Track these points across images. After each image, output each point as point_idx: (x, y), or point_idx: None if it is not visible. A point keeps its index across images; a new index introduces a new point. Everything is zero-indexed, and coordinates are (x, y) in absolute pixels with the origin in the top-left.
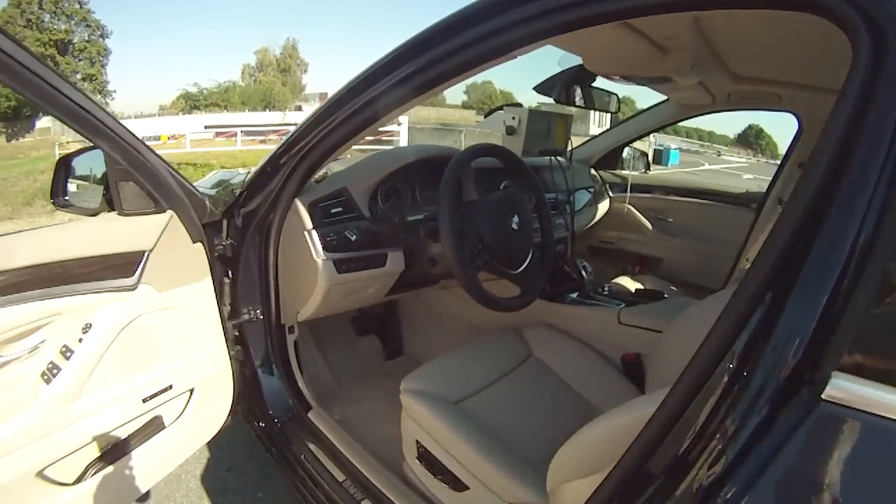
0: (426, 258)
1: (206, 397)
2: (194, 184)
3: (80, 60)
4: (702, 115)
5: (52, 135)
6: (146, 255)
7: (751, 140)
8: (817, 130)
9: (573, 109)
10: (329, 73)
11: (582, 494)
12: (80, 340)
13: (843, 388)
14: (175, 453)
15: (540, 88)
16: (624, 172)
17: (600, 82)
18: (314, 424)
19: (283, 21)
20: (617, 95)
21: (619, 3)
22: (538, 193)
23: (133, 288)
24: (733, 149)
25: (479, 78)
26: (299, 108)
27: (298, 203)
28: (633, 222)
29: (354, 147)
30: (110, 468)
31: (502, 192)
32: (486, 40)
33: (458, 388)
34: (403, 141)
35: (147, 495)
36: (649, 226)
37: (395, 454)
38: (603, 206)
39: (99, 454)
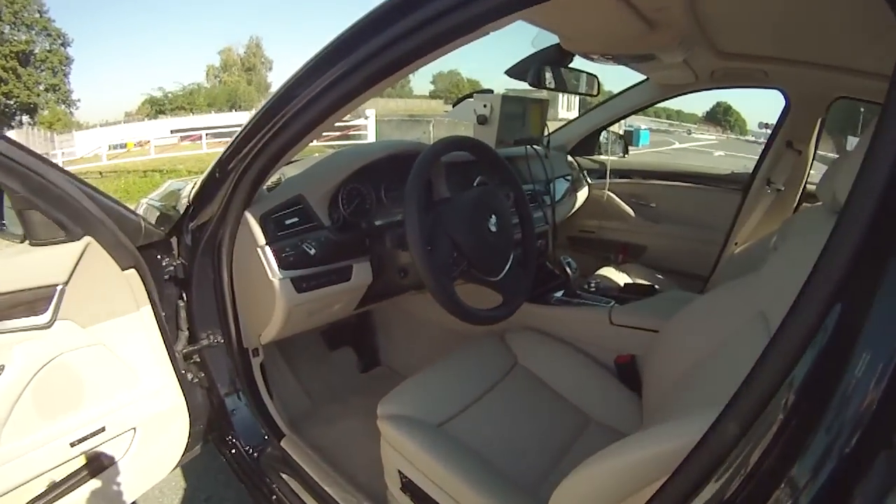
0: (396, 268)
1: (152, 436)
2: (149, 196)
3: (42, 71)
4: (683, 94)
5: None
6: (59, 289)
7: (719, 117)
8: (806, 106)
9: (546, 93)
10: (295, 68)
11: None
12: None
13: None
14: (123, 495)
15: (512, 72)
16: (602, 158)
17: (577, 63)
18: (288, 454)
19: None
20: (597, 77)
21: None
22: (517, 188)
23: (47, 326)
24: (702, 126)
25: (444, 66)
26: None
27: (249, 216)
28: (614, 209)
29: (321, 144)
30: None
31: (477, 189)
32: (452, 13)
33: (439, 409)
34: (371, 134)
35: None
36: (631, 212)
37: (377, 482)
38: (582, 195)
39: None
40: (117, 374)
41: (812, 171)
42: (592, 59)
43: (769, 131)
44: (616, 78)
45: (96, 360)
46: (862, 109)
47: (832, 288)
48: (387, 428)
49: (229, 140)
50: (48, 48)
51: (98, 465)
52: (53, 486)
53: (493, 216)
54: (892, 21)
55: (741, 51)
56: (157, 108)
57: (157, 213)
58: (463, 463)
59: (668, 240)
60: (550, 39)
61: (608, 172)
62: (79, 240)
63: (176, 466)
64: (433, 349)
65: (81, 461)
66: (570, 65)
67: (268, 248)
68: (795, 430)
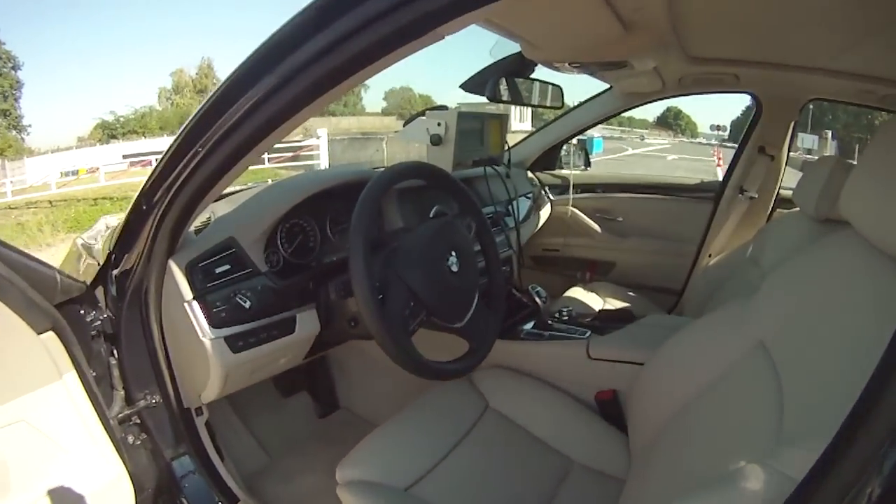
0: (345, 317)
1: None
2: (84, 235)
3: None
4: (649, 102)
5: None
6: None
7: (670, 121)
8: (778, 109)
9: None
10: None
11: None
12: None
13: None
14: None
15: (468, 85)
16: (563, 172)
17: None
18: None
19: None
20: (561, 88)
21: None
22: (478, 217)
23: None
24: (654, 131)
25: (396, 82)
26: None
27: (173, 265)
28: (579, 225)
29: (273, 166)
30: None
31: (434, 223)
32: (401, 10)
33: (405, 469)
34: (324, 155)
35: None
36: (597, 228)
37: None
38: (544, 212)
39: None
40: (45, 453)
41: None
42: (556, 69)
43: (721, 133)
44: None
45: (18, 441)
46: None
47: None
48: (349, 496)
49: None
50: None
51: None
52: None
53: (454, 253)
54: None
55: (713, 55)
56: (108, 132)
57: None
58: None
59: (637, 255)
60: (510, 49)
61: (571, 187)
62: None
63: None
64: (394, 389)
65: None
66: (532, 76)
67: (195, 304)
68: None
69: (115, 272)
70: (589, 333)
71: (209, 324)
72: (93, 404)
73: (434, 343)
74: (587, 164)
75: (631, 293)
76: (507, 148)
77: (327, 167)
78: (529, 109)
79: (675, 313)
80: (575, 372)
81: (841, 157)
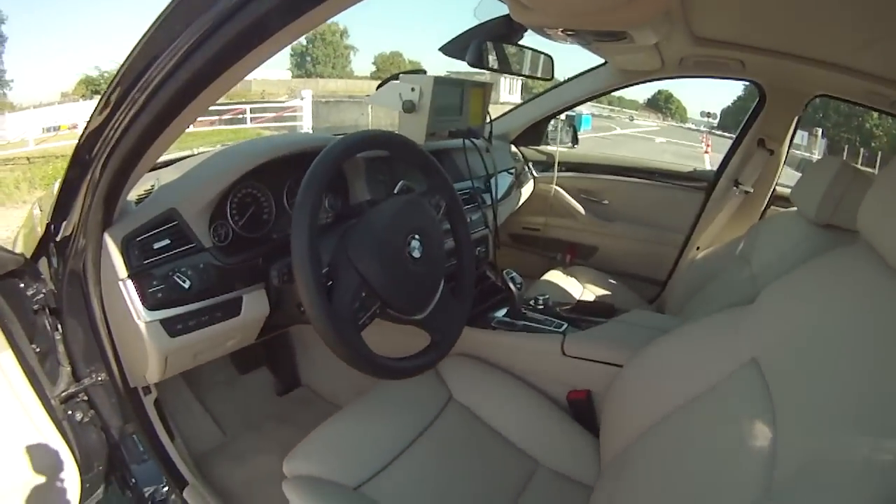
0: (294, 302)
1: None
2: (40, 200)
3: None
4: (646, 81)
5: None
6: None
7: (660, 104)
8: (783, 102)
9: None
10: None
11: None
12: None
13: None
14: None
15: (449, 48)
16: (549, 148)
17: (528, 40)
18: None
19: None
20: (552, 58)
21: None
22: (449, 195)
23: None
24: (644, 113)
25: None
26: None
27: (108, 239)
28: (563, 206)
29: (255, 126)
30: None
31: (394, 201)
32: None
33: (357, 466)
34: (307, 116)
35: None
36: (581, 209)
37: None
38: (527, 189)
39: None
40: None
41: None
42: (547, 36)
43: (711, 121)
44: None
45: None
46: None
47: None
48: (294, 494)
49: None
50: None
51: None
52: None
53: (416, 237)
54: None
55: (720, 37)
56: (92, 88)
57: None
58: None
59: (621, 241)
60: (497, 10)
61: (556, 165)
62: None
63: None
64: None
65: None
66: (521, 42)
67: (129, 283)
68: None
69: (54, 242)
70: (566, 327)
71: (144, 305)
72: (31, 384)
73: (392, 334)
74: (575, 141)
75: (612, 280)
76: (489, 120)
77: (309, 130)
78: (519, 81)
79: (657, 305)
80: (548, 368)
81: (846, 162)
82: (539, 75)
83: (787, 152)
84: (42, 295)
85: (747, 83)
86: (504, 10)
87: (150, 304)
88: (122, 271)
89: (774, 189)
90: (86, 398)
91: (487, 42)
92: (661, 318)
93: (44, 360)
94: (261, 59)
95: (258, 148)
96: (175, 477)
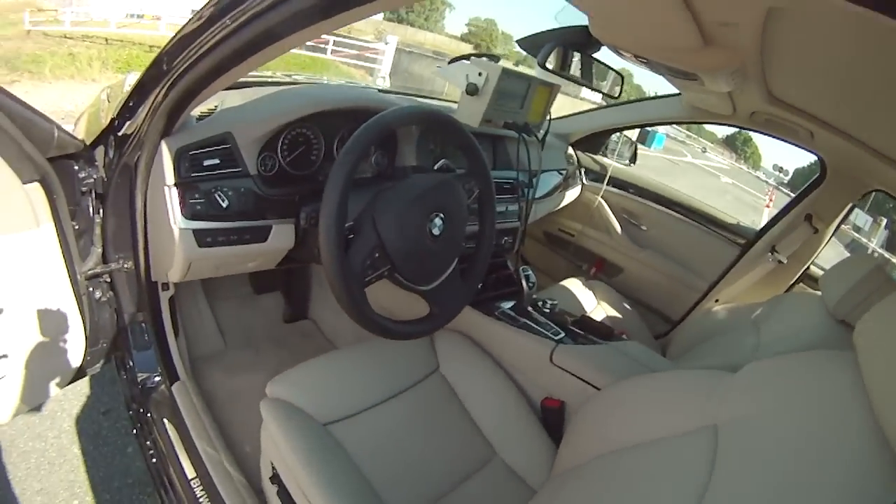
0: (316, 244)
1: (41, 356)
2: (108, 87)
3: None
4: (716, 124)
5: None
6: None
7: (737, 145)
8: (842, 185)
9: None
10: None
11: None
12: None
13: None
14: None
15: (525, 43)
16: (605, 160)
17: (603, 55)
18: (175, 400)
19: None
20: (623, 77)
21: None
22: (484, 182)
23: None
24: (718, 148)
25: (482, 12)
26: None
27: (164, 147)
28: (602, 219)
29: (335, 59)
30: None
31: (428, 178)
32: None
33: (331, 405)
34: (387, 62)
35: None
36: (618, 228)
37: (257, 456)
38: (572, 193)
39: None
40: (3, 293)
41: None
42: (622, 56)
43: (781, 176)
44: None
45: None
46: None
47: None
48: (268, 413)
49: None
50: None
51: None
52: None
53: (439, 216)
54: None
55: (795, 102)
56: None
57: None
58: (335, 478)
59: (647, 269)
60: (578, 19)
61: (607, 178)
62: None
63: (69, 384)
64: None
65: None
66: (596, 54)
67: (174, 190)
68: None
69: (115, 135)
70: (562, 336)
71: (182, 213)
72: (64, 256)
73: (396, 295)
74: (633, 160)
75: (627, 305)
76: (548, 118)
77: (385, 76)
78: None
79: (662, 343)
80: (532, 370)
81: (882, 266)
82: (604, 91)
83: (832, 235)
84: (92, 180)
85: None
86: (585, 19)
87: (188, 213)
88: (170, 178)
89: (808, 267)
90: (108, 280)
91: (561, 47)
92: (653, 357)
93: (79, 238)
94: (349, 21)
95: (323, 96)
96: (169, 370)
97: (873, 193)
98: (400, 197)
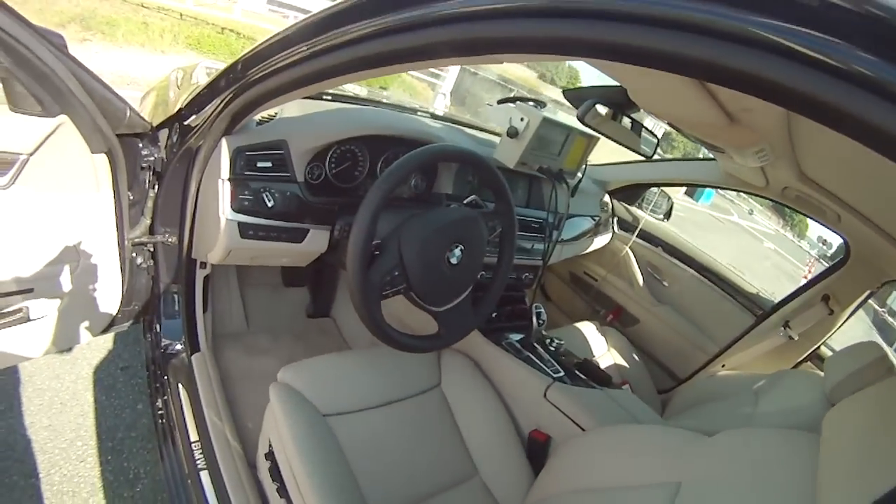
0: (344, 253)
1: (78, 307)
2: (181, 68)
3: None
4: (749, 193)
5: None
6: (23, 157)
7: (786, 211)
8: (863, 271)
9: None
10: None
11: None
12: None
13: None
14: (36, 349)
15: (570, 95)
16: (639, 213)
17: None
18: (192, 370)
19: None
20: (657, 138)
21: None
22: (507, 223)
23: (4, 187)
24: (766, 211)
25: None
26: None
27: (224, 144)
28: (626, 270)
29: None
30: None
31: (453, 211)
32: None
33: (334, 399)
34: (450, 81)
35: None
36: (640, 280)
37: (257, 432)
38: (601, 240)
39: None
40: (60, 245)
41: None
42: (658, 119)
43: (825, 249)
44: None
45: (42, 229)
46: None
47: None
48: (275, 396)
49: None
50: None
51: (19, 317)
52: None
53: (459, 248)
54: None
55: (824, 183)
56: None
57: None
58: (323, 465)
59: (662, 325)
60: None
61: (637, 231)
62: (53, 117)
63: (99, 334)
64: None
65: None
66: (634, 115)
67: (227, 184)
68: None
69: (180, 124)
70: (561, 375)
71: (231, 206)
72: (116, 221)
73: (415, 309)
74: (667, 216)
75: (635, 356)
76: (584, 167)
77: (446, 93)
78: (662, 129)
79: (663, 398)
80: (526, 402)
81: (888, 356)
82: (638, 151)
83: (846, 319)
84: (153, 158)
85: None
86: None
87: (236, 206)
88: (225, 173)
89: (819, 347)
90: (151, 250)
91: (599, 104)
92: (643, 409)
93: (132, 207)
94: (412, 68)
95: (373, 122)
96: (192, 341)
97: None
98: (426, 225)
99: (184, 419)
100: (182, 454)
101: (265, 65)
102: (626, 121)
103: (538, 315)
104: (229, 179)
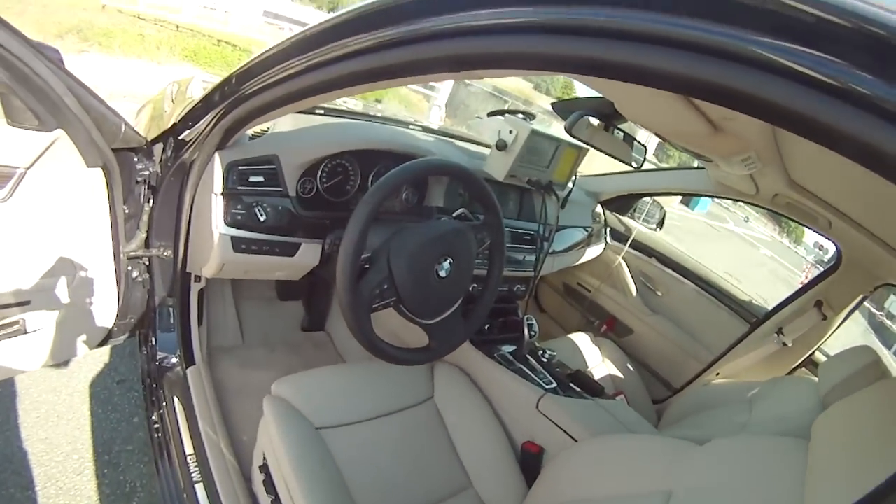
0: (335, 267)
1: (74, 320)
2: (177, 82)
3: None
4: (740, 201)
5: None
6: (20, 171)
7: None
8: (854, 275)
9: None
10: None
11: None
12: None
13: None
14: (32, 361)
15: (558, 107)
16: (631, 223)
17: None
18: (187, 383)
19: None
20: (645, 147)
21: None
22: (496, 237)
23: (3, 200)
24: (762, 219)
25: None
26: None
27: (217, 159)
28: (620, 280)
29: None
30: None
31: (443, 224)
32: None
33: (328, 412)
34: (444, 92)
35: None
36: (634, 291)
37: (251, 446)
38: (594, 251)
39: None
40: (57, 259)
41: None
42: (647, 129)
43: (821, 254)
44: None
45: (39, 242)
46: None
47: None
48: (268, 409)
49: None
50: None
51: (16, 330)
52: None
53: (448, 261)
54: None
55: (815, 190)
56: None
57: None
58: (317, 477)
59: (656, 334)
60: None
61: (629, 241)
62: (50, 132)
63: (96, 347)
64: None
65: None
66: (622, 125)
67: (220, 199)
68: None
69: (175, 138)
70: (553, 386)
71: (224, 220)
72: (112, 234)
73: (407, 322)
74: (660, 226)
75: (630, 366)
76: (573, 178)
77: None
78: (655, 139)
79: (658, 408)
80: (519, 413)
81: (881, 360)
82: (623, 160)
83: (840, 324)
84: (148, 172)
85: None
86: None
87: (229, 220)
88: (218, 187)
89: (813, 353)
90: (147, 263)
91: (587, 116)
92: (635, 419)
93: (128, 221)
94: (403, 83)
95: (364, 136)
96: (187, 354)
97: (883, 287)
98: (415, 238)
99: (179, 432)
100: (178, 467)
101: (259, 79)
102: (618, 132)
103: (530, 327)
104: (222, 194)
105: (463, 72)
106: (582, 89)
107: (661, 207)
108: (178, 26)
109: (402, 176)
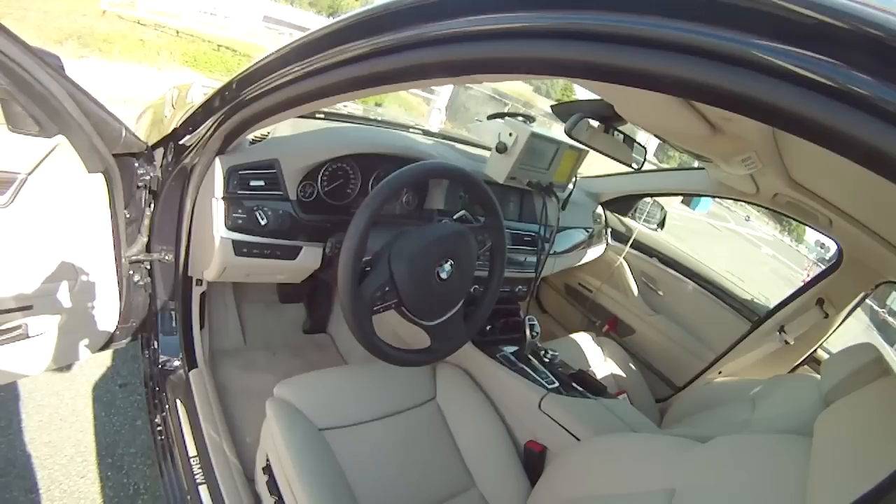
0: (336, 269)
1: (76, 324)
2: (177, 86)
3: None
4: (738, 201)
5: None
6: (21, 177)
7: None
8: (856, 273)
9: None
10: None
11: None
12: None
13: None
14: (33, 366)
15: (558, 110)
16: (632, 223)
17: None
18: (190, 386)
19: None
20: (646, 150)
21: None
22: (497, 238)
23: (3, 206)
24: (763, 218)
25: None
26: None
27: (218, 163)
28: (621, 280)
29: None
30: None
31: (446, 227)
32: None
33: (331, 413)
34: (444, 96)
35: None
36: (635, 291)
37: (255, 447)
38: (595, 251)
39: None
40: (59, 263)
41: None
42: (646, 131)
43: (823, 252)
44: None
45: (41, 247)
46: None
47: None
48: (272, 411)
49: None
50: None
51: (18, 334)
52: None
53: (449, 262)
54: None
55: (815, 189)
56: None
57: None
58: (320, 478)
59: (658, 334)
60: None
61: (630, 241)
62: (51, 137)
63: (98, 351)
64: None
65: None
66: (621, 127)
67: (221, 203)
68: None
69: (175, 143)
70: (555, 386)
71: (225, 224)
72: (113, 239)
73: (401, 324)
74: (661, 226)
75: (632, 365)
76: (574, 180)
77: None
78: (655, 140)
79: (661, 407)
80: (521, 413)
81: (883, 358)
82: (624, 161)
83: (841, 322)
84: (149, 177)
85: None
86: None
87: (230, 225)
88: (219, 192)
89: (815, 351)
90: (148, 267)
91: (586, 118)
92: (638, 417)
93: (129, 225)
94: (402, 88)
95: (364, 140)
96: (190, 357)
97: (885, 285)
98: (415, 240)
99: (182, 435)
100: (181, 469)
101: (259, 84)
102: (618, 134)
103: (531, 327)
104: (223, 198)
105: (463, 76)
106: (581, 92)
107: (662, 208)
108: (178, 31)
109: (403, 179)
